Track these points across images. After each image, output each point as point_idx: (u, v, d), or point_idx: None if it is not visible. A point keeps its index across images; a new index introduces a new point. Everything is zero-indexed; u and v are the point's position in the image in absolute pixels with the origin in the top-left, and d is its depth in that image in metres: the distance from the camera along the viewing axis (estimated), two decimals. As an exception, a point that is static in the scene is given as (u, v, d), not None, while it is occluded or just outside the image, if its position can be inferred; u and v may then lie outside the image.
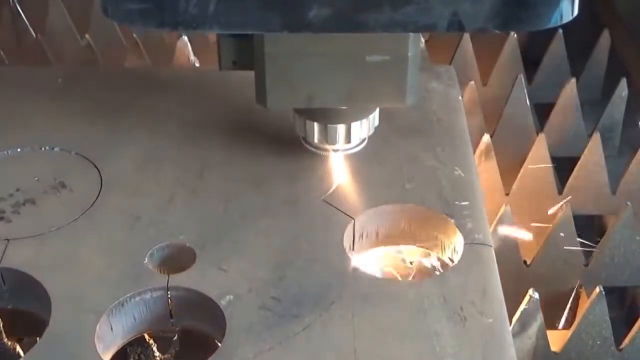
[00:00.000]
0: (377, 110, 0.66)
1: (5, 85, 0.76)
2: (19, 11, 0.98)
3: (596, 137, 0.82)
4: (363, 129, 0.65)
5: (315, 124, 0.65)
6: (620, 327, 0.75)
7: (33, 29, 0.98)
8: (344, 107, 0.64)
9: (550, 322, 0.72)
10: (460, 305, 0.56)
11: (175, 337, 0.66)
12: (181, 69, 0.91)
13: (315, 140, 0.66)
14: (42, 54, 0.95)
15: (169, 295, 0.58)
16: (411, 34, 0.59)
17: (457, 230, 0.62)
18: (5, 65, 0.95)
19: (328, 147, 0.66)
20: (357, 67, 0.60)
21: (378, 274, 0.59)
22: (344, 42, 0.59)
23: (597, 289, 0.68)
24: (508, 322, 0.56)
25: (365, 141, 0.68)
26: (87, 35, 0.95)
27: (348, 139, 0.65)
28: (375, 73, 0.60)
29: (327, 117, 0.65)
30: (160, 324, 0.59)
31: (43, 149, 0.69)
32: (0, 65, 0.94)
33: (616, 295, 0.81)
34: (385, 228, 0.64)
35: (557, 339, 0.72)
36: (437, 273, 0.62)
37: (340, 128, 0.65)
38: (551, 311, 0.75)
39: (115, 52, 0.97)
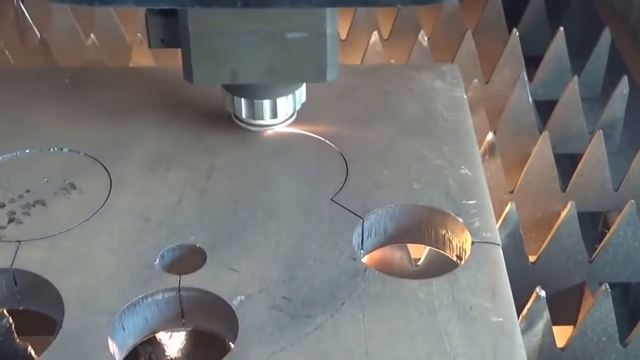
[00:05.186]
0: (304, 86, 0.69)
1: (12, 86, 0.77)
2: (23, 11, 0.98)
3: (599, 134, 0.83)
4: (289, 104, 0.68)
5: (243, 100, 0.68)
6: (624, 323, 0.76)
7: (37, 29, 0.98)
8: (267, 83, 0.66)
9: (554, 319, 0.72)
10: (470, 304, 0.57)
11: (185, 337, 0.67)
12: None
13: (244, 116, 0.69)
14: (47, 54, 0.95)
15: (180, 296, 0.58)
16: (328, 12, 0.62)
17: (465, 229, 0.62)
18: (10, 65, 0.95)
19: (256, 122, 0.70)
20: (278, 44, 0.63)
21: (387, 274, 0.59)
22: (265, 20, 0.62)
23: (603, 287, 0.69)
24: (518, 322, 0.56)
25: (294, 116, 0.70)
26: (91, 35, 0.95)
27: (274, 114, 0.68)
28: (295, 50, 0.63)
29: (253, 93, 0.67)
30: (171, 325, 0.59)
31: (52, 150, 0.69)
32: (5, 66, 0.94)
33: (619, 291, 0.82)
34: (393, 227, 0.65)
35: (561, 335, 0.73)
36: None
37: (267, 103, 0.68)
38: (555, 308, 0.75)
39: (120, 52, 0.97)
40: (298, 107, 0.70)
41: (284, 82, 0.67)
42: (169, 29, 0.65)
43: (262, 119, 0.69)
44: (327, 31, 0.63)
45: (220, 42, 0.63)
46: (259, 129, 0.70)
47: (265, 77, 0.65)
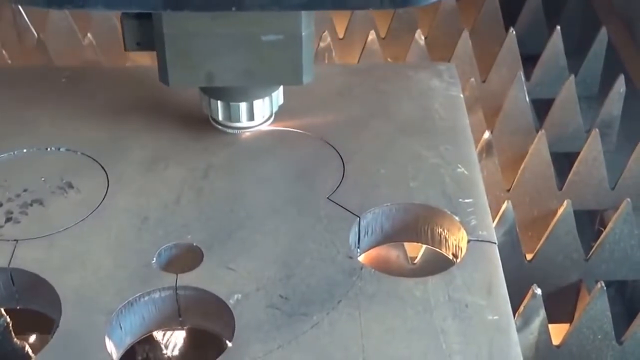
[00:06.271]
0: (281, 88, 0.69)
1: (9, 86, 0.77)
2: (20, 11, 0.98)
3: (595, 133, 0.83)
4: (266, 107, 0.68)
5: (219, 103, 0.68)
6: (620, 321, 0.76)
7: (34, 29, 0.98)
8: (243, 86, 0.66)
9: (551, 317, 0.73)
10: (465, 302, 0.57)
11: (182, 336, 0.67)
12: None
13: (220, 118, 0.69)
14: (44, 54, 0.95)
15: (178, 295, 0.58)
16: (303, 15, 0.62)
17: (461, 227, 0.62)
18: (8, 64, 0.95)
19: (232, 124, 0.70)
20: (253, 46, 0.63)
21: (384, 272, 0.60)
22: (240, 22, 0.62)
23: (599, 284, 0.69)
24: (513, 319, 0.56)
25: (272, 119, 0.70)
26: (88, 35, 0.95)
27: (251, 116, 0.68)
28: (271, 53, 0.63)
29: (229, 95, 0.67)
30: (169, 324, 0.59)
31: (49, 149, 0.70)
32: (3, 66, 0.94)
33: (615, 289, 0.82)
34: (390, 226, 0.65)
35: (558, 333, 0.73)
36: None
37: (243, 106, 0.68)
38: (552, 305, 0.75)
39: (117, 51, 0.97)
40: (275, 109, 0.70)
41: (260, 84, 0.67)
42: (144, 32, 0.64)
43: (239, 121, 0.69)
44: (303, 34, 0.63)
45: (195, 44, 0.63)
46: (236, 131, 0.70)
47: (241, 80, 0.65)
